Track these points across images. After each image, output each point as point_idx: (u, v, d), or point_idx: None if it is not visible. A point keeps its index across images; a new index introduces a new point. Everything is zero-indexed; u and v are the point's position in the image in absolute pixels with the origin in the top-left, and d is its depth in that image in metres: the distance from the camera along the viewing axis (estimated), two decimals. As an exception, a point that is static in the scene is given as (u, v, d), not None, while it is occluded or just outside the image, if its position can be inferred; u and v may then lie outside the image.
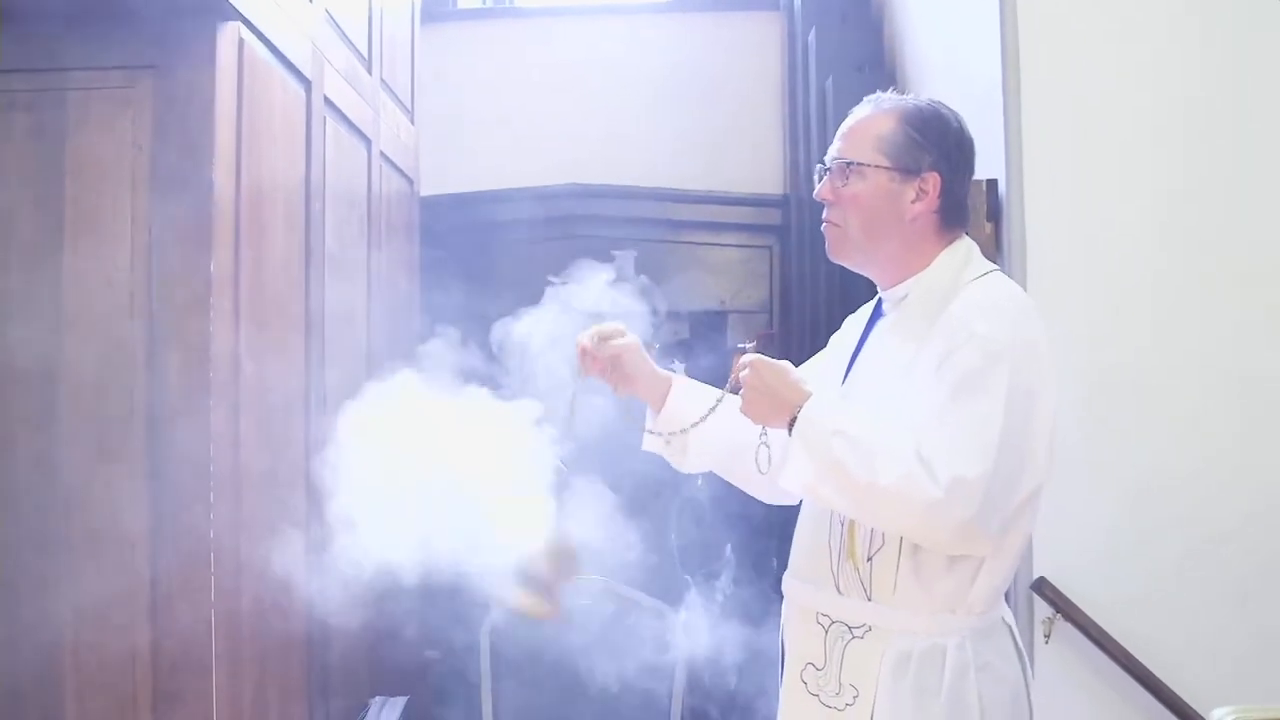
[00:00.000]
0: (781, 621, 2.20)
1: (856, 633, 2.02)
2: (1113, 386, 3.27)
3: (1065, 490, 2.90)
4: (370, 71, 3.77)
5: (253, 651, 2.67)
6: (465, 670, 3.58)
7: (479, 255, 5.19)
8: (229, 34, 2.51)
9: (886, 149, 2.04)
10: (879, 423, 1.93)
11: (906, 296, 2.07)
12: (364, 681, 3.64)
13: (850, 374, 2.13)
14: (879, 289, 2.15)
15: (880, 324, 2.14)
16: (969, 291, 2.01)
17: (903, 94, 2.11)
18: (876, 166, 2.04)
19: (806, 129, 5.22)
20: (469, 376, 2.23)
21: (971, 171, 2.11)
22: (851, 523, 2.01)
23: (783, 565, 2.22)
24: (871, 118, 2.09)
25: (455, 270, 4.27)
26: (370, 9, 3.79)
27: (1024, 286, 3.16)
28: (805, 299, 5.05)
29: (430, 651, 4.25)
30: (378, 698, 3.66)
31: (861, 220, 2.06)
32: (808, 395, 1.96)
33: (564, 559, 2.18)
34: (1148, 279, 3.31)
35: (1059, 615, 3.21)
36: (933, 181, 2.03)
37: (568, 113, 5.58)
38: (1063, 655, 3.26)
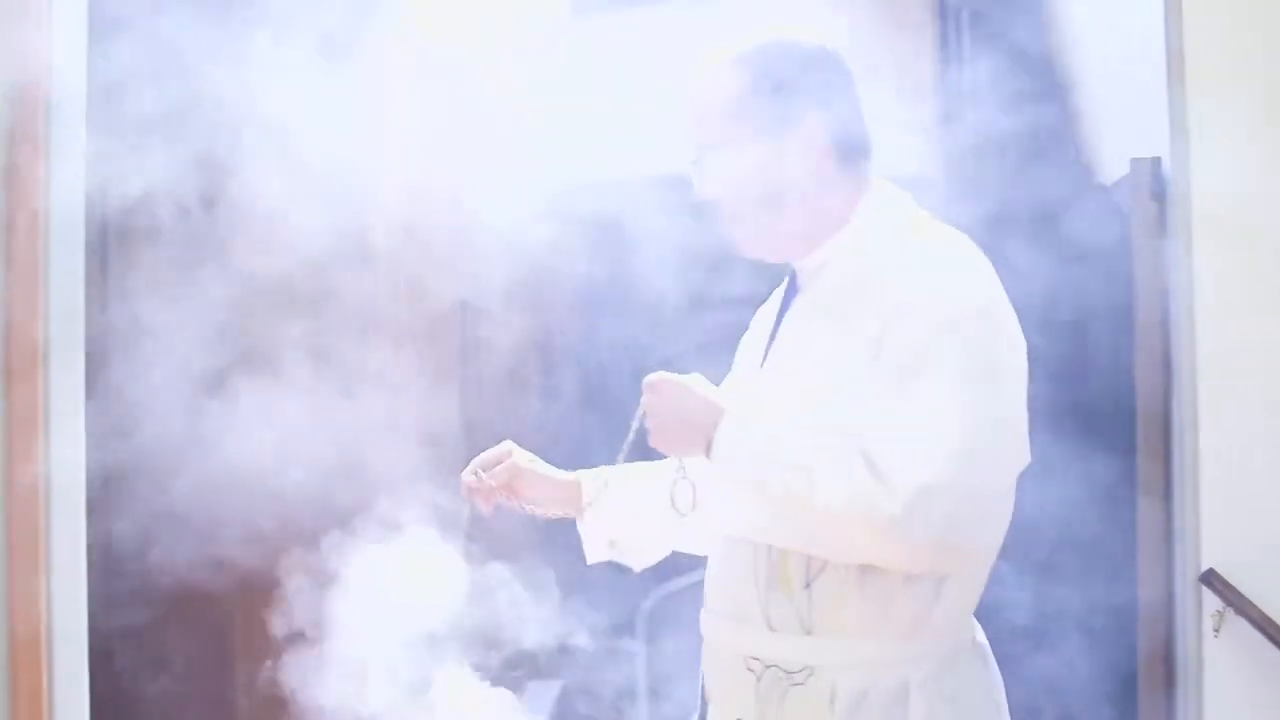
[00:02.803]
0: (701, 668, 1.83)
1: (796, 678, 1.64)
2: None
3: (1236, 479, 2.80)
4: (519, 64, 3.79)
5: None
6: (619, 654, 3.59)
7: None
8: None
9: (741, 113, 1.68)
10: (815, 431, 1.58)
11: (825, 265, 1.71)
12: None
13: (765, 368, 1.77)
14: (793, 263, 1.78)
15: (796, 302, 1.76)
16: (902, 250, 1.64)
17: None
18: (738, 140, 1.68)
19: (962, 111, 5.12)
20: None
21: (852, 82, 1.74)
22: None
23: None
24: (710, 86, 1.71)
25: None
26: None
27: (1190, 270, 3.07)
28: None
29: (583, 636, 4.27)
30: (533, 682, 3.70)
31: (752, 206, 1.70)
32: (722, 412, 1.63)
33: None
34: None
35: (1229, 609, 3.10)
36: (812, 125, 1.67)
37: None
38: (1233, 650, 3.14)
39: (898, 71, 5.61)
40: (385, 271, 2.61)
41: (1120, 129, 4.18)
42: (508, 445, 1.99)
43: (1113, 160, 4.14)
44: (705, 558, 1.84)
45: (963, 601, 1.68)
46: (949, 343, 1.54)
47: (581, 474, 2.01)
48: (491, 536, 1.98)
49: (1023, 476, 1.67)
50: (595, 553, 1.99)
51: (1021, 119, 4.49)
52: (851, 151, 1.72)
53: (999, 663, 1.79)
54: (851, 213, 1.71)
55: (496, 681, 2.07)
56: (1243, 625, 3.10)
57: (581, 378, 3.92)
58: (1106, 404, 3.55)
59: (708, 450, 1.62)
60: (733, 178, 1.69)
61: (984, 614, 1.79)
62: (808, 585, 1.62)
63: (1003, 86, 4.51)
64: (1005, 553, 1.70)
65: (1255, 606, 3.09)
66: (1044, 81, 4.79)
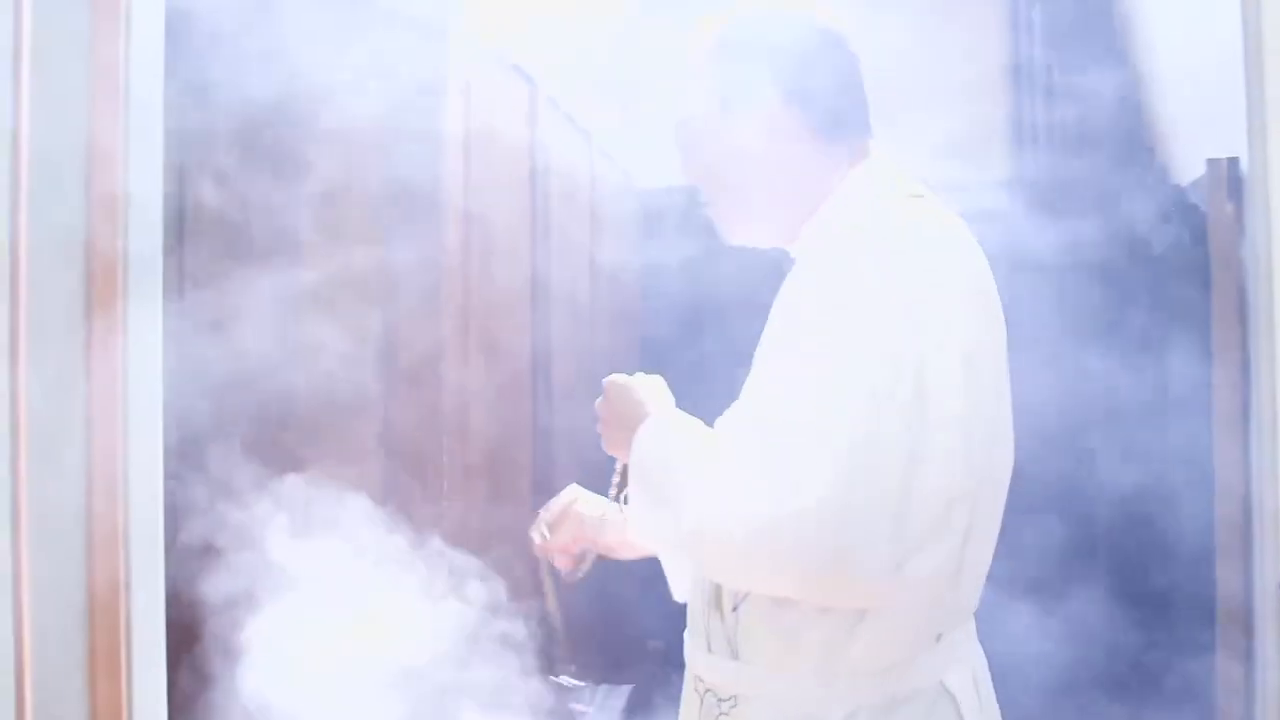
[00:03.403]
0: None
1: (724, 705, 1.53)
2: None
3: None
4: (589, 66, 3.82)
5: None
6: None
7: (699, 245, 5.20)
8: (458, 35, 2.59)
9: (710, 88, 1.58)
10: (730, 438, 1.43)
11: (803, 249, 1.58)
12: (591, 668, 3.69)
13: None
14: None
15: (780, 290, 1.56)
16: (855, 229, 1.46)
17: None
18: (708, 120, 1.58)
19: (1033, 110, 5.08)
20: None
21: (842, 54, 1.59)
22: None
23: None
24: (689, 69, 1.62)
25: (675, 260, 4.30)
26: (591, 4, 3.83)
27: (1270, 272, 3.02)
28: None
29: (654, 641, 4.29)
30: (603, 685, 3.71)
31: (730, 187, 1.59)
32: (644, 416, 1.55)
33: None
34: None
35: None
36: (771, 100, 1.54)
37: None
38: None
39: (968, 69, 5.58)
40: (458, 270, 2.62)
41: (1196, 128, 4.12)
42: (572, 493, 1.87)
43: (1189, 160, 4.09)
44: None
45: (895, 639, 1.44)
46: (841, 327, 1.36)
47: None
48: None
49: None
50: (681, 590, 1.69)
51: (1096, 118, 4.45)
52: (833, 127, 1.56)
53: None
54: (832, 193, 1.56)
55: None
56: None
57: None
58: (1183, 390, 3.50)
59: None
60: (705, 155, 1.60)
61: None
62: (735, 608, 1.50)
63: (1076, 87, 4.48)
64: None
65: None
66: (1118, 80, 4.74)
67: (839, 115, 1.57)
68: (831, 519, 1.30)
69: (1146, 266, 3.57)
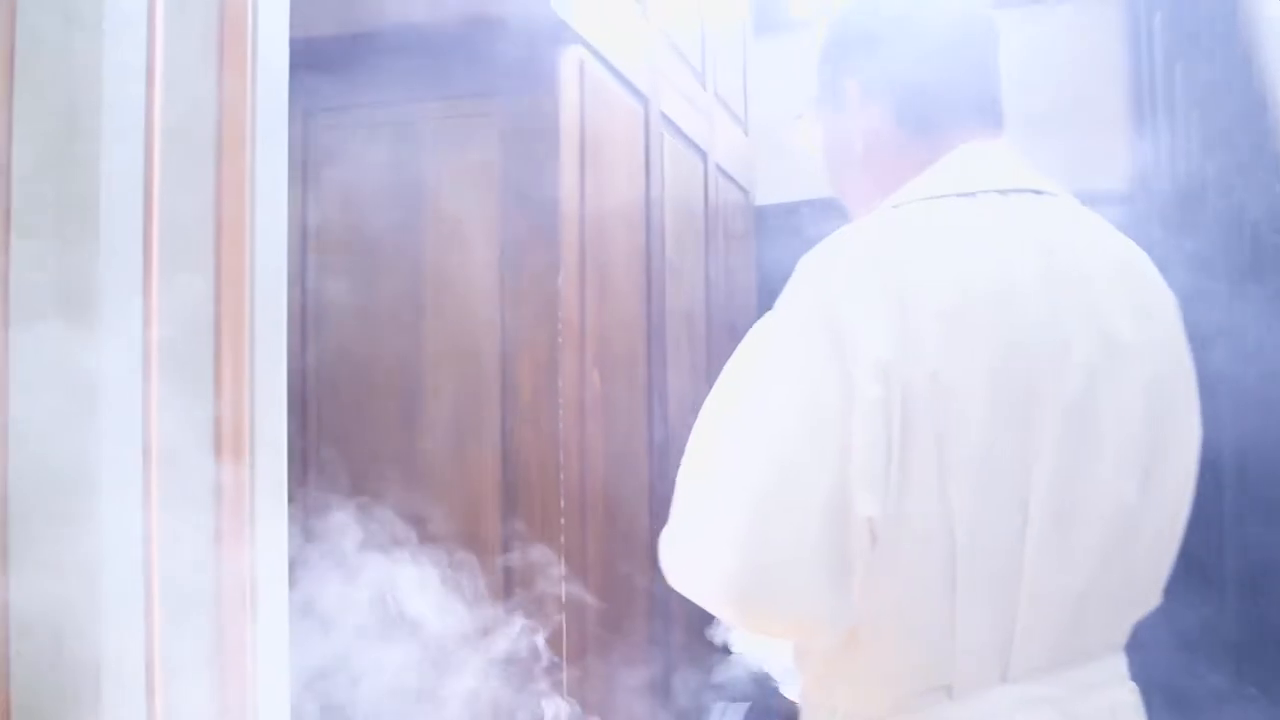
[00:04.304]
0: None
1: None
2: None
3: None
4: (705, 86, 3.83)
5: (600, 666, 2.75)
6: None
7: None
8: (570, 58, 2.61)
9: (818, 76, 1.64)
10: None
11: None
12: (704, 686, 3.69)
13: None
14: None
15: None
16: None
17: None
18: (816, 102, 1.64)
19: (1154, 119, 4.97)
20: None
21: (921, 47, 1.52)
22: None
23: None
24: (814, 43, 1.67)
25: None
26: (704, 23, 3.85)
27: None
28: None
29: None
30: (719, 703, 3.70)
31: (834, 172, 1.64)
32: None
33: None
34: None
35: None
36: (850, 89, 1.55)
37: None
38: None
39: (1089, 77, 5.49)
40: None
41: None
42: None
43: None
44: None
45: (878, 683, 1.38)
46: (761, 357, 1.33)
47: None
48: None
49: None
50: (793, 692, 1.65)
51: (1212, 110, 4.34)
52: (915, 118, 1.52)
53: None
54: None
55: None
56: None
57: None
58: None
59: None
60: (819, 134, 1.65)
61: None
62: None
63: (1194, 79, 4.38)
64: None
65: None
66: (1237, 73, 4.62)
67: (931, 96, 1.52)
68: (751, 563, 1.26)
69: (1275, 274, 3.47)
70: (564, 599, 2.50)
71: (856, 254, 1.34)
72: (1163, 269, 1.52)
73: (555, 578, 2.50)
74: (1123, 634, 1.49)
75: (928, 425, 1.25)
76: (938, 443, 1.26)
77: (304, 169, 2.63)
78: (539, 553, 2.50)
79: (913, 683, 1.35)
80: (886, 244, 1.36)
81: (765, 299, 4.60)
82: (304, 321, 2.63)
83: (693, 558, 1.32)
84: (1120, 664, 1.48)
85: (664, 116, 3.29)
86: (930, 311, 1.28)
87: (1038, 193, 1.46)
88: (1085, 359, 1.34)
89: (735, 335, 3.88)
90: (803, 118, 1.66)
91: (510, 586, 2.50)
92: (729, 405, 1.34)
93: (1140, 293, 1.45)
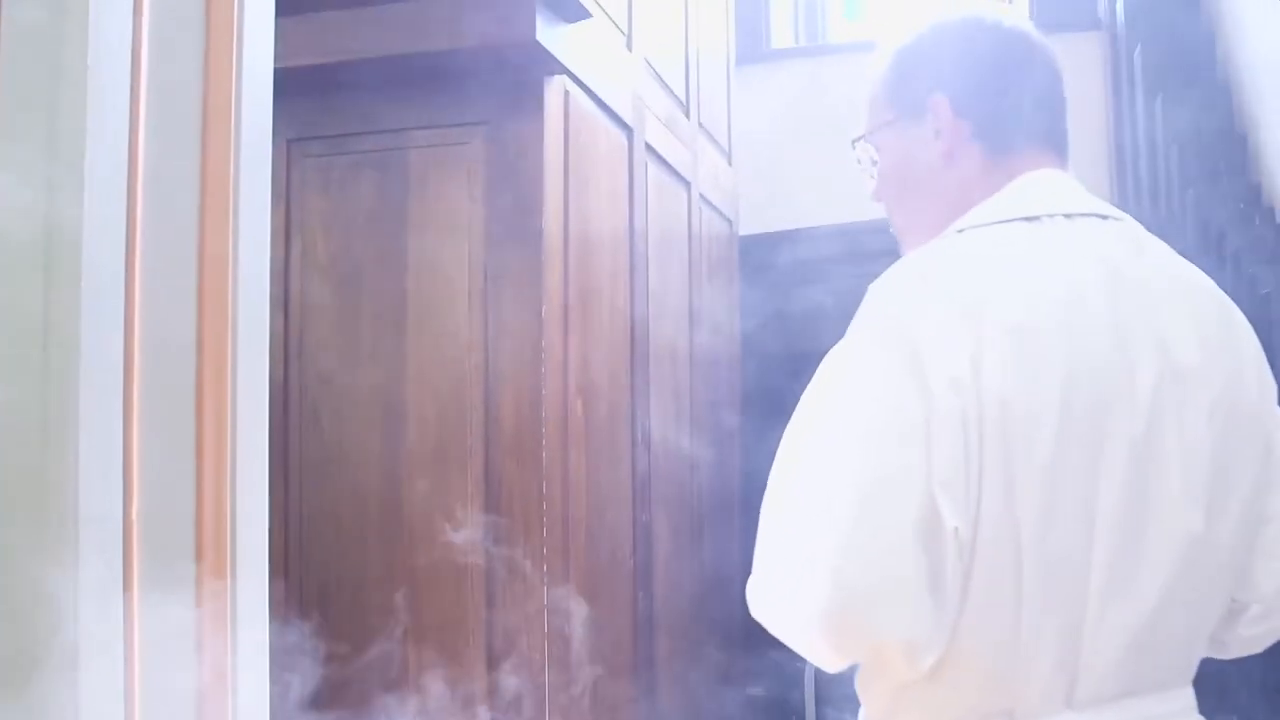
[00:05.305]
0: None
1: None
2: None
3: None
4: (688, 115, 3.84)
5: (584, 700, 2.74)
6: (788, 706, 3.56)
7: (799, 293, 5.20)
8: (555, 88, 2.62)
9: (889, 97, 1.56)
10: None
11: None
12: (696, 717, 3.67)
13: None
14: None
15: None
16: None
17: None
18: (884, 125, 1.56)
19: (1135, 152, 5.00)
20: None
21: (1004, 70, 1.52)
22: None
23: None
24: (870, 76, 1.60)
25: (775, 308, 4.30)
26: (687, 54, 3.86)
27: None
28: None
29: (754, 689, 4.26)
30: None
31: (898, 198, 1.58)
32: None
33: None
34: None
35: None
36: (939, 105, 1.50)
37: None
38: None
39: (1070, 110, 5.51)
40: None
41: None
42: None
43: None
44: None
45: (943, 705, 1.36)
46: (837, 387, 1.34)
47: None
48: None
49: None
50: None
51: (1192, 143, 4.37)
52: (995, 138, 1.50)
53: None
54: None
55: None
56: None
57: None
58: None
59: None
60: (881, 165, 1.58)
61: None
62: None
63: (1174, 112, 4.41)
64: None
65: None
66: (1216, 106, 4.66)
67: (1011, 119, 1.51)
68: (850, 585, 1.24)
69: (1253, 306, 3.49)
70: (546, 630, 2.49)
71: (928, 276, 1.36)
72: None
73: (538, 609, 2.49)
74: (1191, 666, 1.45)
75: (998, 444, 1.26)
76: (1006, 462, 1.26)
77: (287, 198, 2.63)
78: (521, 586, 2.49)
79: (978, 708, 1.35)
80: (956, 267, 1.37)
81: (748, 327, 4.60)
82: (286, 350, 2.63)
83: (787, 591, 1.30)
84: (1188, 696, 1.45)
85: (648, 146, 3.30)
86: (1001, 330, 1.28)
87: (1102, 217, 1.46)
88: (1152, 383, 1.34)
89: (719, 364, 3.90)
90: (860, 141, 1.61)
91: (493, 623, 2.50)
92: (809, 433, 1.34)
93: (1205, 317, 1.43)
